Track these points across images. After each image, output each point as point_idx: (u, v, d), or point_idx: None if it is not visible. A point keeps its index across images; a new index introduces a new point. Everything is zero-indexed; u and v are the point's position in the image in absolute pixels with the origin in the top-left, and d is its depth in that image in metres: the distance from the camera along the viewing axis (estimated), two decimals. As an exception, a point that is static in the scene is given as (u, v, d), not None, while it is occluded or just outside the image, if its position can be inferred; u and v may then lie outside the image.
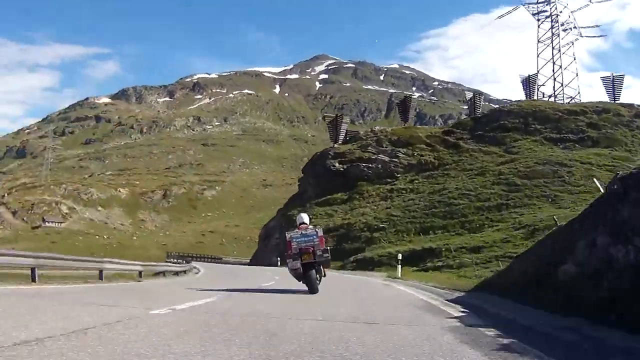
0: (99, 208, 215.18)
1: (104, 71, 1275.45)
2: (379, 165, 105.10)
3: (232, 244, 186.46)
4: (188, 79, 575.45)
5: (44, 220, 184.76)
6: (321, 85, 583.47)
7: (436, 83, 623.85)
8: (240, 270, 63.83)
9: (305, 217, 21.54)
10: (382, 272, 50.50)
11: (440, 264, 51.07)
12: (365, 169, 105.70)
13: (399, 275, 39.15)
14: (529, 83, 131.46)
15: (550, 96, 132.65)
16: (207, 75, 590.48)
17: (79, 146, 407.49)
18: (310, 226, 20.84)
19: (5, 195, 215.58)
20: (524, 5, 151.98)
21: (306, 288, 18.99)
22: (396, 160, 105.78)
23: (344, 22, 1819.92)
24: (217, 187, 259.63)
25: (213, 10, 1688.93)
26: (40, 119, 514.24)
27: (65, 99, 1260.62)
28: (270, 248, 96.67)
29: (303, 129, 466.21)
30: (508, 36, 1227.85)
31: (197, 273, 48.33)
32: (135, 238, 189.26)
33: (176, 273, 41.86)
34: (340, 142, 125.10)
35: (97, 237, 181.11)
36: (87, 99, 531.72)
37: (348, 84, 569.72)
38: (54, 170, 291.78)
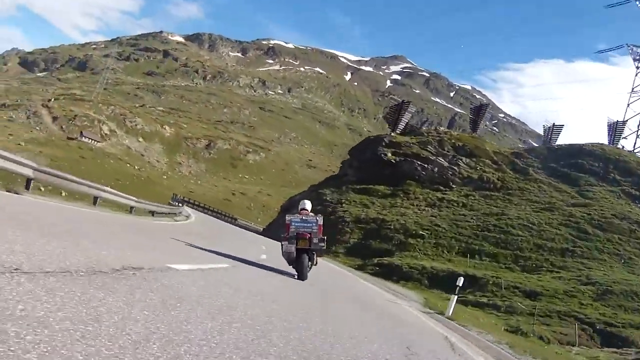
0: (140, 139, 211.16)
1: (186, 12, 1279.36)
2: (435, 169, 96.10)
3: (258, 210, 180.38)
4: (264, 42, 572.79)
5: (81, 134, 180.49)
6: (392, 84, 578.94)
7: (502, 115, 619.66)
8: (236, 234, 52.10)
9: (307, 203, 20.78)
10: (409, 289, 42.79)
11: (484, 299, 43.26)
12: (418, 167, 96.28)
13: (450, 314, 24.71)
14: (615, 129, 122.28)
15: (630, 151, 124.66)
16: (283, 43, 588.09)
17: (140, 75, 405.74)
18: (311, 213, 20.28)
19: (52, 100, 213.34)
20: (627, 46, 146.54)
21: (295, 272, 18.86)
22: (455, 168, 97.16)
23: (430, 31, 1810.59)
24: (261, 153, 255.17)
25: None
26: (109, 39, 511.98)
27: (139, 27, 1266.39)
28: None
29: (361, 121, 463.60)
30: (582, 88, 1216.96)
31: (186, 219, 47.43)
32: (165, 177, 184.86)
33: (166, 214, 44.01)
34: (398, 132, 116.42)
35: (128, 165, 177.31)
36: (161, 32, 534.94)
37: (418, 91, 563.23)
38: (108, 90, 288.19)
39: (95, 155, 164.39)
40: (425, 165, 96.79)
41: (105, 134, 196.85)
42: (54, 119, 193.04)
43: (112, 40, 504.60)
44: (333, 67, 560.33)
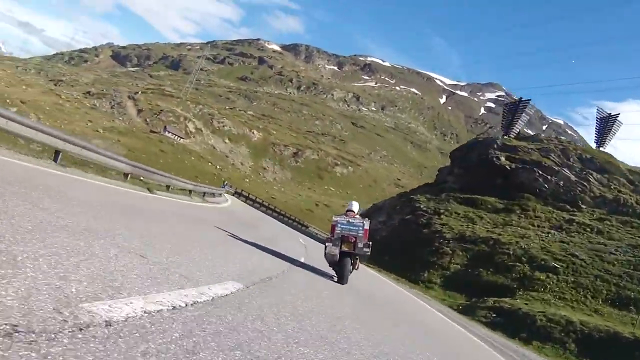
0: (226, 140, 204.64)
1: (285, 25, 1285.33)
2: (561, 182, 77.73)
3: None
4: (361, 58, 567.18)
5: (164, 129, 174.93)
6: (485, 112, 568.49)
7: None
8: (288, 236, 42.77)
9: (355, 205, 19.93)
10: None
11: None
12: (539, 178, 78.63)
13: None
14: None
15: None
16: (380, 61, 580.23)
17: (233, 79, 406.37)
18: (358, 216, 19.39)
19: (139, 92, 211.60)
20: None
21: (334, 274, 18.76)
22: (585, 184, 77.83)
23: (527, 62, 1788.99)
24: (349, 167, 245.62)
25: (409, 5, 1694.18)
26: (205, 42, 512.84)
27: (237, 35, 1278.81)
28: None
29: (453, 146, 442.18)
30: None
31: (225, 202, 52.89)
32: (247, 181, 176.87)
33: (212, 194, 50.99)
34: (512, 136, 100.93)
35: (210, 164, 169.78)
36: (258, 39, 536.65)
37: None
38: (200, 91, 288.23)
39: (176, 150, 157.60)
40: (548, 177, 79.37)
41: (190, 132, 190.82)
42: (139, 111, 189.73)
43: (208, 42, 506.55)
44: (428, 89, 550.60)
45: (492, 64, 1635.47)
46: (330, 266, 19.04)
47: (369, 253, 18.62)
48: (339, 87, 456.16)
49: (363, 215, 21.11)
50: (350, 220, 18.71)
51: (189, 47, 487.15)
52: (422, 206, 76.98)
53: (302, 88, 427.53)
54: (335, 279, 17.84)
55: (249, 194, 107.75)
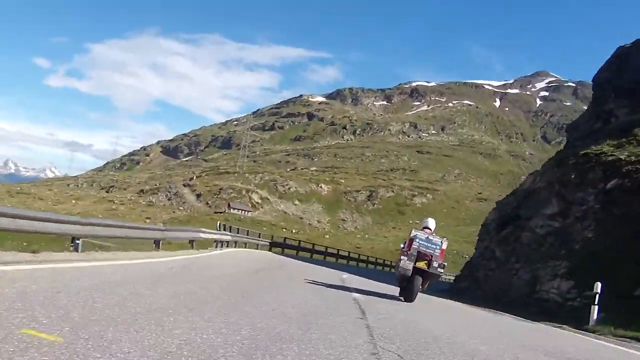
0: (296, 202, 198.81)
1: (324, 76, 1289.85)
2: None
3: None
4: (406, 85, 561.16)
5: (229, 206, 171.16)
6: (541, 102, 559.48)
7: None
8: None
9: (432, 222, 20.27)
10: None
11: None
12: None
13: None
14: None
15: None
16: (425, 83, 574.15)
17: (288, 142, 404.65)
18: (435, 235, 19.54)
19: (194, 177, 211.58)
20: None
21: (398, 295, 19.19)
22: None
23: (566, 40, 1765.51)
24: (428, 195, 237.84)
25: (434, 23, 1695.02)
26: (250, 113, 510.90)
27: (280, 99, 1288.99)
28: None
29: (521, 146, 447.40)
30: None
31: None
32: (327, 237, 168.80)
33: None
34: None
35: (284, 229, 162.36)
36: (300, 96, 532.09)
37: (569, 103, 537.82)
38: (258, 162, 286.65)
39: (243, 224, 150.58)
40: None
41: (257, 202, 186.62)
42: (198, 196, 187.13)
43: (254, 113, 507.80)
44: (480, 96, 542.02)
45: (533, 53, 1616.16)
46: (398, 283, 19.14)
47: (442, 273, 19.03)
48: (393, 120, 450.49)
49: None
50: (430, 237, 18.55)
51: (236, 122, 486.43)
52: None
53: (357, 131, 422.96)
54: (403, 299, 18.01)
55: (299, 242, 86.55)
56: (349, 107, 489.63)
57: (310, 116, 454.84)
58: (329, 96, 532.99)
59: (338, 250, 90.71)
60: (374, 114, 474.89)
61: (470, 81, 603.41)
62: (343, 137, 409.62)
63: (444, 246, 18.52)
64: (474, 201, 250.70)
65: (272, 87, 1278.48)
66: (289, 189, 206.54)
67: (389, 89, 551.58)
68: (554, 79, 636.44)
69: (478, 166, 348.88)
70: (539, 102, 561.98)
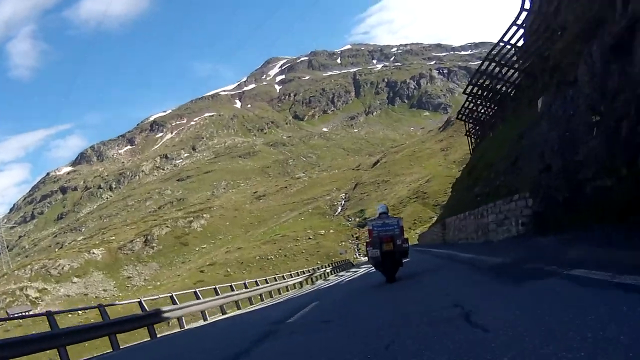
0: (74, 279, 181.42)
1: (70, 147, 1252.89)
2: None
3: (240, 270, 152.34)
4: (145, 122, 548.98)
5: (8, 315, 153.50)
6: (281, 86, 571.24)
7: (394, 49, 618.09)
8: None
9: (382, 207, 20.65)
10: None
11: None
12: None
13: None
14: None
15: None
16: (162, 113, 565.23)
17: (53, 223, 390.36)
18: (391, 215, 20.54)
19: None
20: None
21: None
22: None
23: (286, 23, 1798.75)
24: (205, 215, 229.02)
25: (157, 56, 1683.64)
26: (7, 212, 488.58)
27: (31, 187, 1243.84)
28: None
29: (276, 133, 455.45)
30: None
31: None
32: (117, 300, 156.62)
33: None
34: None
35: (69, 315, 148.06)
36: (47, 174, 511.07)
37: (307, 77, 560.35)
38: (31, 256, 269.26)
39: (28, 323, 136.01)
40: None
41: (36, 297, 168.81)
42: None
43: (10, 210, 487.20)
44: (219, 104, 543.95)
45: (254, 47, 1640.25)
46: (376, 269, 20.00)
47: (408, 247, 19.47)
48: (143, 160, 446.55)
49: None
50: (386, 221, 19.29)
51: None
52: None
53: (113, 186, 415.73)
54: (386, 280, 19.13)
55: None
56: (97, 166, 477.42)
57: (63, 190, 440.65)
58: (74, 163, 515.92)
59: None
60: (123, 162, 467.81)
61: (205, 95, 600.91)
62: (102, 197, 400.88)
63: (401, 223, 19.39)
64: (253, 202, 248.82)
65: (27, 178, 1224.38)
66: (63, 268, 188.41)
67: (129, 131, 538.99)
68: (284, 60, 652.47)
69: (242, 169, 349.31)
70: (278, 87, 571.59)
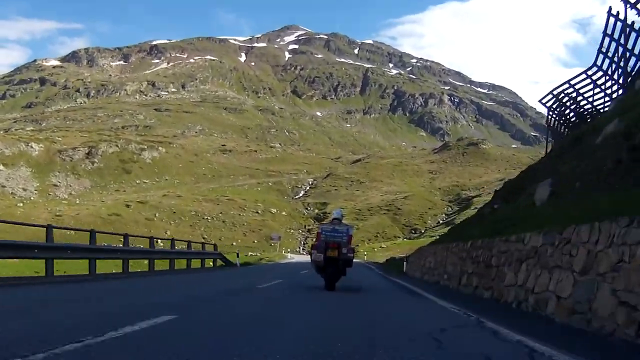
0: (1, 167, 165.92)
1: (73, 48, 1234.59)
2: None
3: (167, 220, 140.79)
4: (146, 43, 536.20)
5: None
6: (291, 55, 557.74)
7: (414, 60, 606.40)
8: None
9: (338, 212, 21.14)
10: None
11: None
12: None
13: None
14: None
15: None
16: (166, 41, 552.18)
17: (19, 110, 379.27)
18: (344, 223, 20.41)
19: None
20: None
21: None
22: None
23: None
24: (160, 148, 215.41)
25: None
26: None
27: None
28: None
29: (270, 100, 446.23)
30: (483, 27, 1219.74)
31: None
32: (21, 205, 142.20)
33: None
34: None
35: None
36: (34, 61, 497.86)
37: (320, 56, 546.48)
38: None
39: None
40: None
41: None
42: None
43: None
44: (224, 51, 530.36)
45: (280, 9, 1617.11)
46: (317, 272, 19.20)
47: (352, 257, 19.00)
48: (130, 79, 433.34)
49: None
50: (336, 227, 19.00)
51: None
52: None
53: (92, 94, 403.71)
54: (325, 286, 18.31)
55: None
56: (84, 69, 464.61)
57: (42, 81, 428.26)
58: (64, 59, 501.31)
59: None
60: (110, 75, 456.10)
61: (215, 37, 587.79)
62: (76, 101, 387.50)
63: (351, 232, 19.08)
64: (217, 154, 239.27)
65: (19, 62, 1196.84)
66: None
67: (128, 47, 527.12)
68: (304, 32, 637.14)
69: (223, 121, 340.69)
70: (287, 55, 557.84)
